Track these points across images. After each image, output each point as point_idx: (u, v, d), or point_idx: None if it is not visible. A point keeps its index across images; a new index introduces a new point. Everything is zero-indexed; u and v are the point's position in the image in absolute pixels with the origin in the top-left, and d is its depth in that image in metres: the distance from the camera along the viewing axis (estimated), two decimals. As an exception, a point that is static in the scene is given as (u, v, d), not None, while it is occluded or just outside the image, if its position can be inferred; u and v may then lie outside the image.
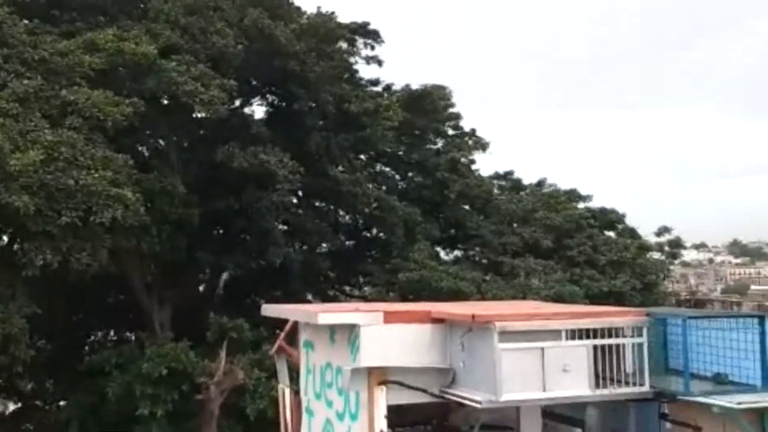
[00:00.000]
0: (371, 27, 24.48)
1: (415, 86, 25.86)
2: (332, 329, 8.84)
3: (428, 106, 25.60)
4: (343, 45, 24.05)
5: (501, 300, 19.79)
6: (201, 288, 24.69)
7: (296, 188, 21.78)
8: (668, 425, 8.58)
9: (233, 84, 19.00)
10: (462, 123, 27.18)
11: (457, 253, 27.32)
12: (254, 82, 22.65)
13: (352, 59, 24.56)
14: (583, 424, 9.25)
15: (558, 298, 20.87)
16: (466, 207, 26.46)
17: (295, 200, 23.99)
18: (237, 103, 22.15)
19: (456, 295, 20.73)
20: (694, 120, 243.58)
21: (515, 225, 26.07)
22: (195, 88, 17.89)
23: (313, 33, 22.07)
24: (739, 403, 7.34)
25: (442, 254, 27.19)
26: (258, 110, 23.94)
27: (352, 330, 8.33)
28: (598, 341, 8.02)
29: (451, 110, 26.63)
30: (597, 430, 9.01)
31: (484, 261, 25.89)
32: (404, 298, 21.13)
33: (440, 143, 27.05)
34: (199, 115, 19.81)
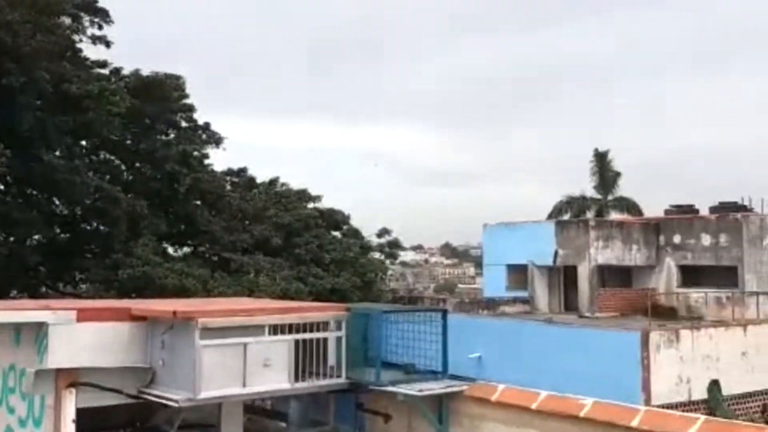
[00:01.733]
0: (99, 5, 22.90)
1: (146, 72, 24.73)
2: (17, 329, 8.05)
3: (160, 95, 24.51)
4: (67, 20, 22.18)
5: (226, 297, 19.64)
6: None
7: (1, 173, 19.54)
8: (364, 414, 9.15)
9: None
10: (196, 116, 26.47)
11: (186, 249, 26.61)
12: (-47, 50, 19.89)
13: (76, 37, 22.71)
14: (287, 417, 9.50)
15: (284, 295, 21.24)
16: (197, 202, 25.83)
17: (1, 186, 21.54)
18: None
19: (181, 293, 20.15)
20: (402, 133, 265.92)
21: (246, 222, 26.05)
22: None
23: (30, 3, 20.04)
24: (420, 391, 8.03)
25: (171, 250, 26.28)
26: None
27: (39, 329, 7.66)
28: (300, 336, 8.28)
29: (184, 101, 25.80)
30: (298, 422, 9.29)
31: (214, 258, 25.51)
32: (125, 296, 20.03)
33: (172, 134, 26.07)
34: None
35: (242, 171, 28.28)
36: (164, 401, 7.71)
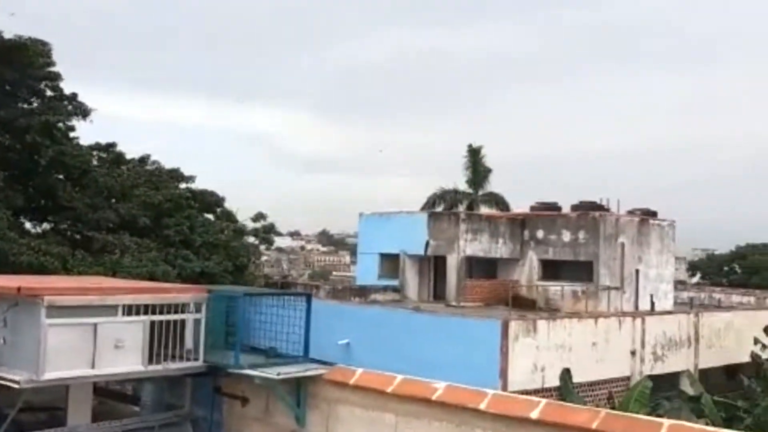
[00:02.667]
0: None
1: (8, 35, 23.10)
2: None
3: (23, 60, 23.02)
4: None
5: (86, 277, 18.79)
6: None
7: None
8: (222, 398, 9.02)
9: None
10: (63, 85, 25.02)
11: (46, 225, 25.21)
12: None
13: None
14: (140, 400, 9.22)
15: (150, 278, 20.60)
16: (60, 176, 24.48)
17: None
18: None
19: (38, 271, 19.13)
20: (284, 119, 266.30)
21: (113, 200, 24.97)
22: None
23: None
24: (278, 374, 8.00)
25: (28, 226, 24.85)
26: None
27: None
28: (156, 317, 8.03)
29: (50, 69, 24.31)
30: (152, 405, 9.04)
31: (76, 236, 24.32)
32: (-26, 273, 18.72)
33: (35, 103, 24.51)
34: None
35: (111, 146, 27.03)
36: (4, 382, 7.27)
